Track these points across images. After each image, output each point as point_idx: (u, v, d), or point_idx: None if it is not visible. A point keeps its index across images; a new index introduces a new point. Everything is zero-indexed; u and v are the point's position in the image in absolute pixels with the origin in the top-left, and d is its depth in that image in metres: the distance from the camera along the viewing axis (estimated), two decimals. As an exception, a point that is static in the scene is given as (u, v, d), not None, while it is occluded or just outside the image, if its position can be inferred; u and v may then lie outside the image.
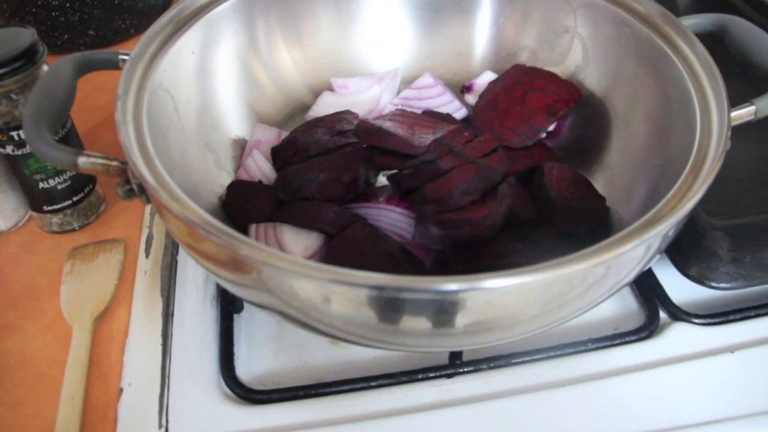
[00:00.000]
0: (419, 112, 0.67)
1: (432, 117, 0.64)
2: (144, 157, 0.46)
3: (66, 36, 0.86)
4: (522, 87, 0.65)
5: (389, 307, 0.40)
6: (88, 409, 0.53)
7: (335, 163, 0.55)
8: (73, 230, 0.66)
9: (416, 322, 0.41)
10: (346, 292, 0.39)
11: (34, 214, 0.65)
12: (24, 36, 0.57)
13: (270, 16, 0.64)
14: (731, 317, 0.57)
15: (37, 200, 0.63)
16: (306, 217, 0.53)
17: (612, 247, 0.41)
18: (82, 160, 0.47)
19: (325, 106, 0.68)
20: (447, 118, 0.66)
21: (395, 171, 0.55)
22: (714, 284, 0.56)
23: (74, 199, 0.64)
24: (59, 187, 0.62)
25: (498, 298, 0.41)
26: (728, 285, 0.56)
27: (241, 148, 0.64)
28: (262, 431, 0.50)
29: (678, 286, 0.59)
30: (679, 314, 0.57)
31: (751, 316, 0.57)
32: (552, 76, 0.65)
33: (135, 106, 0.50)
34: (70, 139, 0.61)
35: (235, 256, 0.40)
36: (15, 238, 0.66)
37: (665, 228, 0.42)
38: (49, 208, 0.63)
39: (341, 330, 0.44)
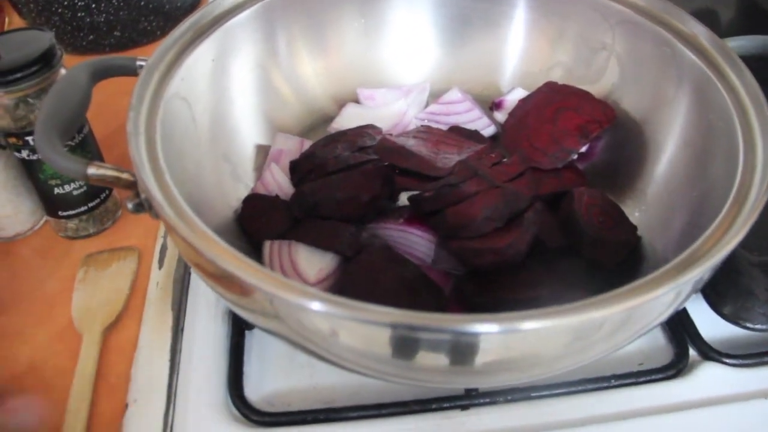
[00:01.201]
0: (445, 127, 0.64)
1: (459, 134, 0.62)
2: (154, 171, 0.44)
3: (91, 37, 0.85)
4: (554, 106, 0.62)
5: (398, 344, 0.38)
6: (94, 422, 0.51)
7: (354, 182, 0.53)
8: (89, 236, 0.65)
9: (425, 359, 0.39)
10: (355, 327, 0.37)
11: (50, 218, 0.64)
12: (42, 40, 0.56)
13: (292, 25, 0.62)
14: (766, 359, 0.54)
15: (52, 205, 0.62)
16: (322, 238, 0.51)
17: (644, 290, 0.38)
18: (91, 171, 0.46)
19: (348, 118, 0.66)
20: (474, 135, 0.64)
21: (417, 192, 0.53)
22: (749, 325, 0.52)
23: (90, 205, 0.63)
24: (75, 192, 0.61)
25: (515, 339, 0.38)
26: (764, 326, 0.52)
27: (262, 160, 0.62)
28: (268, 455, 0.49)
29: (710, 322, 0.55)
30: (710, 353, 0.54)
31: (788, 359, 0.54)
32: (586, 96, 0.62)
33: (148, 116, 0.48)
34: (87, 144, 0.60)
35: (239, 283, 0.38)
36: (30, 242, 0.65)
37: (700, 273, 0.39)
38: (64, 213, 0.63)
39: (350, 362, 0.42)
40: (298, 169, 0.57)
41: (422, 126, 0.62)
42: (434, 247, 0.53)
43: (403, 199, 0.59)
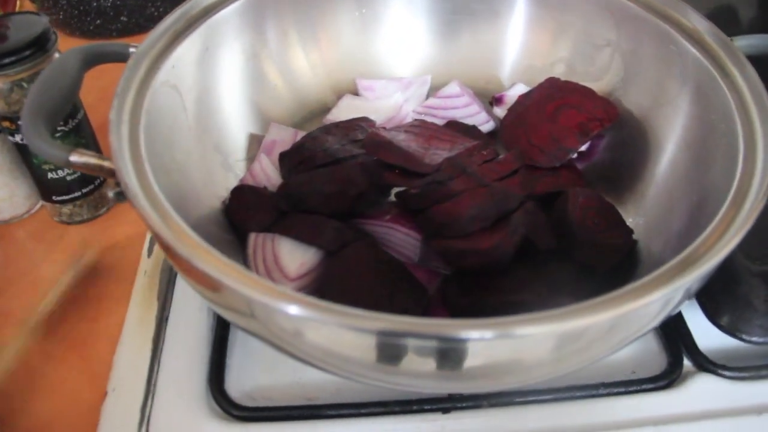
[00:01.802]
0: (442, 122, 0.63)
1: (455, 129, 0.61)
2: (134, 160, 0.44)
3: (98, 21, 0.85)
4: (554, 103, 0.60)
5: (369, 349, 0.37)
6: (75, 407, 0.52)
7: (342, 175, 0.52)
8: (83, 221, 0.65)
9: (393, 363, 0.38)
10: (324, 329, 0.37)
11: (45, 203, 0.65)
12: (36, 24, 0.56)
13: (286, 14, 0.61)
14: (763, 372, 0.52)
15: (46, 190, 0.62)
16: (305, 232, 0.50)
17: (628, 299, 0.37)
18: (74, 159, 0.45)
19: (345, 110, 0.65)
20: (472, 130, 0.62)
21: (403, 188, 0.52)
22: (746, 337, 0.50)
23: (84, 190, 0.63)
24: (68, 178, 0.61)
25: (483, 347, 0.37)
26: (762, 339, 0.50)
27: (255, 150, 0.61)
28: (244, 451, 0.48)
29: (707, 331, 0.53)
30: (705, 364, 0.52)
31: (787, 373, 0.52)
32: (588, 93, 0.60)
33: (134, 104, 0.48)
34: (81, 130, 0.60)
35: (211, 281, 0.38)
36: (25, 225, 0.66)
37: (689, 281, 0.38)
38: (58, 198, 0.63)
39: (322, 362, 0.41)
40: (286, 161, 0.56)
41: (416, 120, 0.61)
42: (420, 245, 0.51)
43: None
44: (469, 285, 0.48)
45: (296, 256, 0.50)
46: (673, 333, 0.54)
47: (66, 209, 0.64)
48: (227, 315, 0.44)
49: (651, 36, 0.57)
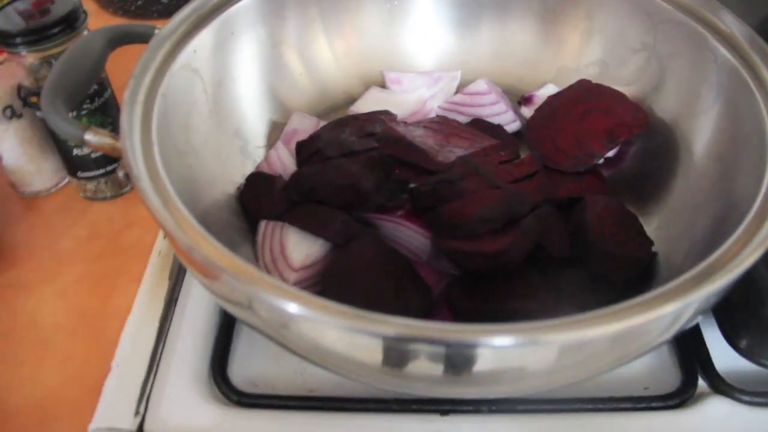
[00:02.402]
0: (468, 119, 0.62)
1: (478, 128, 0.59)
2: (143, 142, 0.44)
3: (140, 2, 0.86)
4: (583, 105, 0.58)
5: (363, 349, 0.37)
6: (80, 379, 0.53)
7: (354, 169, 0.51)
8: (106, 198, 0.66)
9: (389, 365, 0.38)
10: (313, 326, 0.36)
11: (71, 178, 0.66)
12: (66, 2, 0.57)
13: (311, 3, 0.60)
14: (783, 399, 0.49)
15: (71, 166, 0.64)
16: (313, 223, 0.50)
17: (638, 310, 0.36)
18: (88, 137, 0.46)
19: (370, 102, 0.64)
20: (496, 129, 0.61)
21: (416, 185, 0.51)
22: (765, 362, 0.48)
23: (107, 168, 0.64)
24: (92, 155, 0.62)
25: (491, 354, 0.36)
26: (783, 365, 0.48)
27: (276, 138, 0.61)
28: (238, 435, 0.48)
29: (726, 351, 0.50)
30: (720, 385, 0.50)
31: (808, 402, 0.49)
32: (619, 97, 0.58)
33: (151, 86, 0.48)
34: (107, 109, 0.61)
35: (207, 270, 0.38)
36: (52, 199, 0.67)
37: (703, 296, 0.36)
38: (83, 174, 0.64)
39: (320, 359, 0.41)
40: (302, 151, 0.56)
41: (438, 116, 0.59)
42: (430, 244, 0.50)
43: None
44: (475, 289, 0.47)
45: (302, 247, 0.49)
46: (688, 350, 0.52)
47: (91, 185, 0.65)
48: (223, 303, 0.44)
49: (688, 41, 0.54)
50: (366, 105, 0.64)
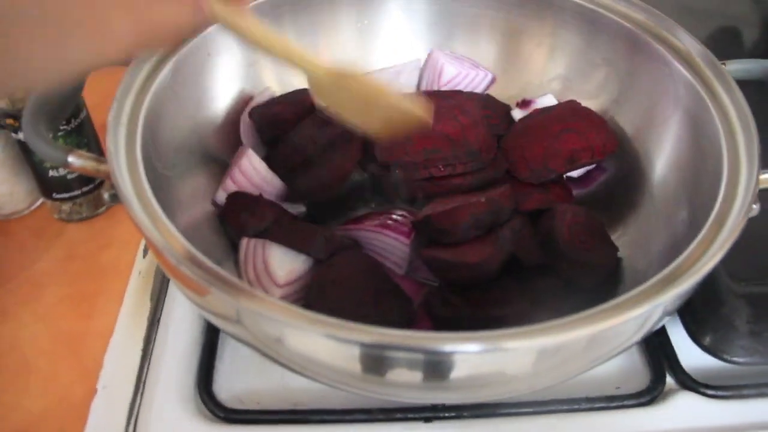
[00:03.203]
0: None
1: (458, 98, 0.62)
2: (129, 163, 0.45)
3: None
4: (562, 125, 0.59)
5: (347, 359, 0.38)
6: (64, 404, 0.53)
7: (335, 155, 0.55)
8: (82, 219, 0.66)
9: (372, 373, 0.39)
10: (297, 334, 0.38)
11: (45, 200, 0.66)
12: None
13: (286, 24, 0.61)
14: (745, 392, 0.52)
15: (46, 187, 0.63)
16: (295, 239, 0.51)
17: (609, 314, 0.38)
18: (71, 159, 0.46)
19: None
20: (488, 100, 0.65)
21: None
22: (727, 357, 0.51)
23: (83, 189, 0.64)
24: (68, 176, 0.62)
25: (469, 359, 0.38)
26: (743, 360, 0.51)
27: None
28: (228, 452, 0.49)
29: (691, 349, 0.54)
30: (687, 382, 0.53)
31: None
32: (597, 123, 0.59)
33: (133, 107, 0.49)
34: (82, 130, 0.61)
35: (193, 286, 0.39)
36: (26, 221, 0.67)
37: (669, 299, 0.39)
38: (58, 195, 0.64)
39: (302, 368, 0.42)
40: (285, 163, 0.57)
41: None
42: (409, 255, 0.52)
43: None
44: (454, 298, 0.49)
45: (285, 263, 0.51)
46: (656, 350, 0.55)
47: (66, 207, 0.65)
48: (212, 318, 0.45)
49: (646, 57, 0.57)
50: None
